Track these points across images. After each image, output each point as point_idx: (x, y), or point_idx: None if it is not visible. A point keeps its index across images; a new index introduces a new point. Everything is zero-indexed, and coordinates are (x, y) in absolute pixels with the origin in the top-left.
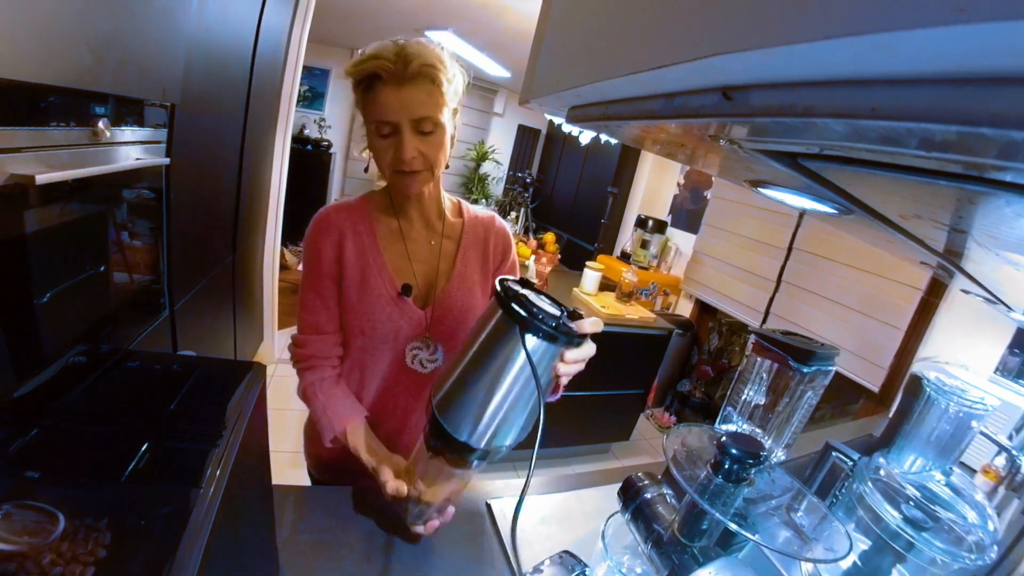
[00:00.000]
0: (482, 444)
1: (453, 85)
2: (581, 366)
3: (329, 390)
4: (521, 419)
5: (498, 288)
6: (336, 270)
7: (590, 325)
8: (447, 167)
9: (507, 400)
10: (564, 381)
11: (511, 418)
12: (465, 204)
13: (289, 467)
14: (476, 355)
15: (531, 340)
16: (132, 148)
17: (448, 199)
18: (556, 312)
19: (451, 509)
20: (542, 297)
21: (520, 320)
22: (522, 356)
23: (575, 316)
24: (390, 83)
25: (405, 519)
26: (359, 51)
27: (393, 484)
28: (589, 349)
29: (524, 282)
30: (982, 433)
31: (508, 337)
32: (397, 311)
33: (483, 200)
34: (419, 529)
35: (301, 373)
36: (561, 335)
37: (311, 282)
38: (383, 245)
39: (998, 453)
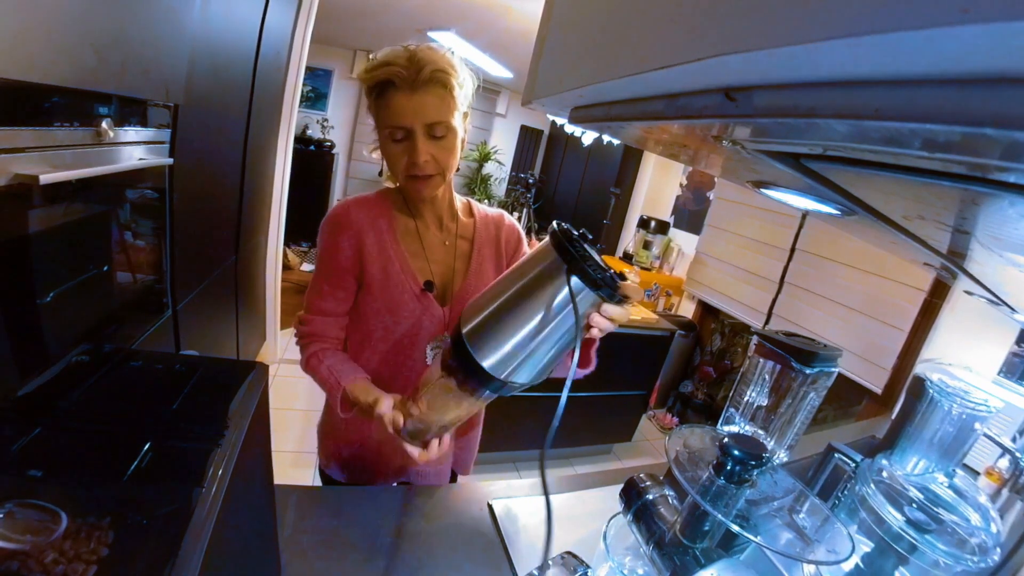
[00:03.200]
0: (500, 375)
1: (463, 90)
2: (613, 326)
3: (332, 356)
4: (542, 359)
5: (555, 227)
6: (355, 266)
7: (632, 289)
8: (457, 169)
9: (535, 334)
10: (595, 333)
11: (534, 355)
12: (475, 203)
13: (291, 467)
14: (515, 285)
15: (576, 282)
16: (135, 148)
17: (459, 199)
18: (603, 264)
19: (447, 438)
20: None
21: (570, 258)
22: (563, 292)
23: (620, 277)
24: (403, 89)
25: (401, 436)
26: (370, 55)
27: (390, 415)
28: (624, 312)
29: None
30: (985, 435)
31: (553, 273)
32: (420, 307)
33: (486, 201)
34: (413, 451)
35: (304, 347)
36: (605, 285)
37: (325, 274)
38: (402, 243)
39: (1001, 455)
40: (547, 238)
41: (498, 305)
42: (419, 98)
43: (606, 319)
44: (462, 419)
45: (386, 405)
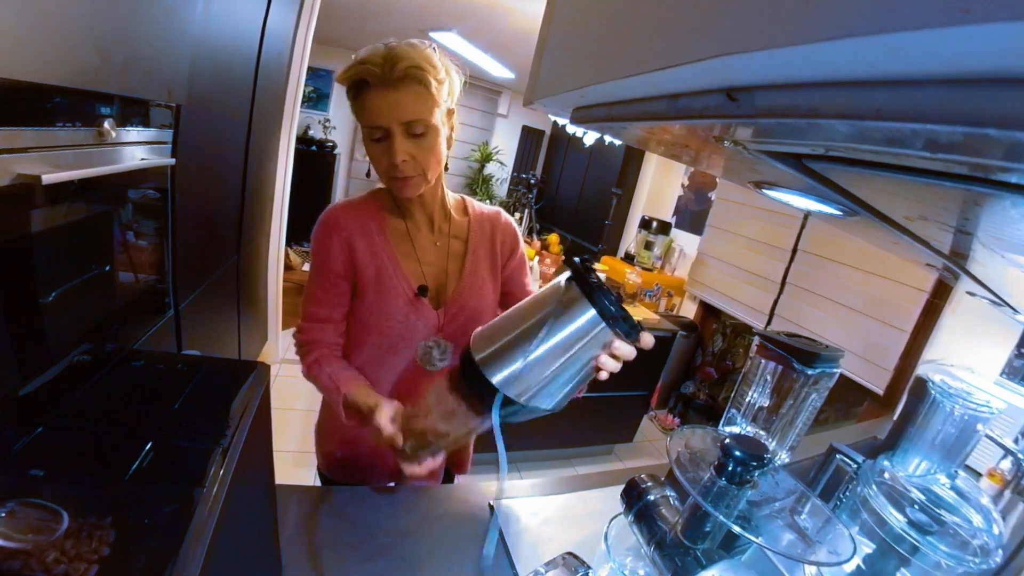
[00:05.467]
0: (515, 397)
1: (445, 85)
2: (618, 366)
3: (333, 363)
4: (556, 385)
5: (576, 261)
6: (347, 270)
7: (647, 334)
8: (447, 168)
9: (550, 360)
10: (603, 375)
11: (549, 381)
12: (470, 201)
13: (293, 467)
14: (533, 314)
15: (593, 315)
16: (137, 148)
17: (452, 198)
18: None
19: (442, 454)
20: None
21: (589, 288)
22: (581, 322)
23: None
24: (378, 87)
25: (398, 457)
26: (352, 56)
27: (390, 430)
28: (631, 351)
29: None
30: (988, 436)
31: (573, 305)
32: (414, 311)
33: (487, 201)
34: (413, 468)
35: (304, 355)
36: (622, 321)
37: (319, 279)
38: (393, 245)
39: (1004, 456)
40: (565, 274)
41: (514, 333)
42: (394, 96)
43: (614, 358)
44: (461, 441)
45: (385, 419)
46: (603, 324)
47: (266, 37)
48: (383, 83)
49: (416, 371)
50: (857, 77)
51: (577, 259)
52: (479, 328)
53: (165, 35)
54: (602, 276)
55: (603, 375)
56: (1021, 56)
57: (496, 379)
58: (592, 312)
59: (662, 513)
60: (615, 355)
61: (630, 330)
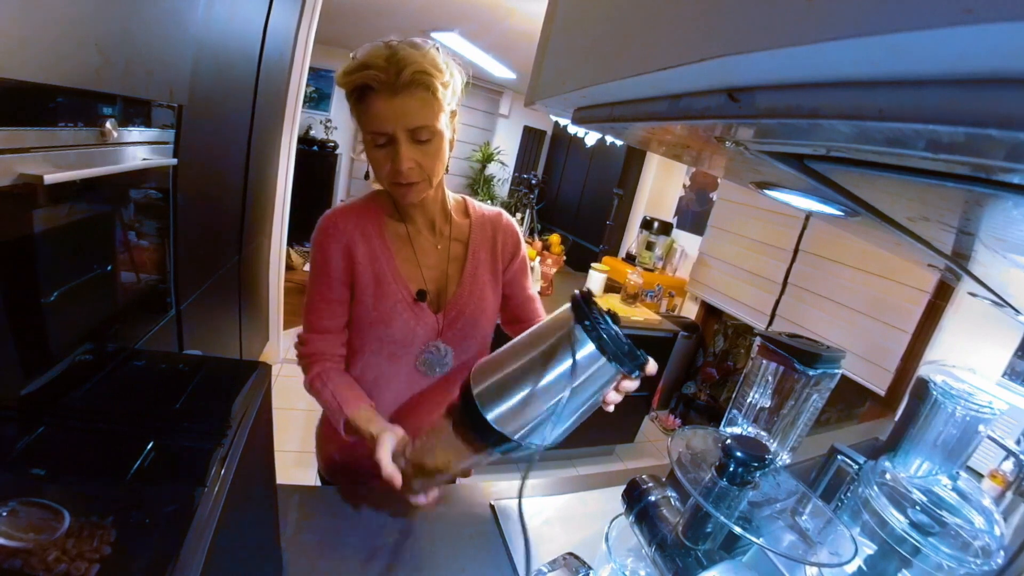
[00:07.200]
0: (513, 435)
1: (450, 88)
2: (621, 398)
3: (335, 380)
4: (556, 424)
5: (578, 296)
6: (347, 275)
7: (650, 364)
8: (447, 170)
9: (550, 400)
10: (609, 409)
11: (545, 418)
12: (471, 202)
13: (294, 467)
14: (534, 351)
15: (599, 358)
16: (139, 148)
17: (453, 199)
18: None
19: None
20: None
21: (596, 332)
22: (583, 364)
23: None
24: (382, 93)
25: (402, 492)
26: (351, 55)
27: (389, 470)
28: (636, 385)
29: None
30: (989, 437)
31: (577, 345)
32: (413, 317)
33: (488, 202)
34: (419, 500)
35: (306, 368)
36: (627, 359)
37: (318, 285)
38: (393, 249)
39: (1006, 458)
40: (566, 307)
41: (514, 370)
42: (400, 102)
43: (621, 393)
44: (466, 471)
45: (386, 457)
46: (608, 364)
47: (268, 37)
48: (388, 89)
49: (416, 376)
50: (859, 77)
51: (578, 292)
52: (479, 362)
53: (167, 35)
54: (597, 294)
55: (609, 408)
56: (1023, 56)
57: (492, 415)
58: (599, 356)
59: (663, 514)
60: (618, 390)
61: (635, 367)
